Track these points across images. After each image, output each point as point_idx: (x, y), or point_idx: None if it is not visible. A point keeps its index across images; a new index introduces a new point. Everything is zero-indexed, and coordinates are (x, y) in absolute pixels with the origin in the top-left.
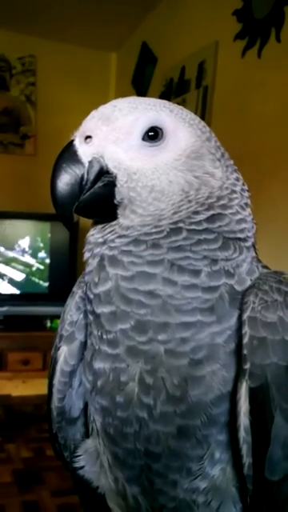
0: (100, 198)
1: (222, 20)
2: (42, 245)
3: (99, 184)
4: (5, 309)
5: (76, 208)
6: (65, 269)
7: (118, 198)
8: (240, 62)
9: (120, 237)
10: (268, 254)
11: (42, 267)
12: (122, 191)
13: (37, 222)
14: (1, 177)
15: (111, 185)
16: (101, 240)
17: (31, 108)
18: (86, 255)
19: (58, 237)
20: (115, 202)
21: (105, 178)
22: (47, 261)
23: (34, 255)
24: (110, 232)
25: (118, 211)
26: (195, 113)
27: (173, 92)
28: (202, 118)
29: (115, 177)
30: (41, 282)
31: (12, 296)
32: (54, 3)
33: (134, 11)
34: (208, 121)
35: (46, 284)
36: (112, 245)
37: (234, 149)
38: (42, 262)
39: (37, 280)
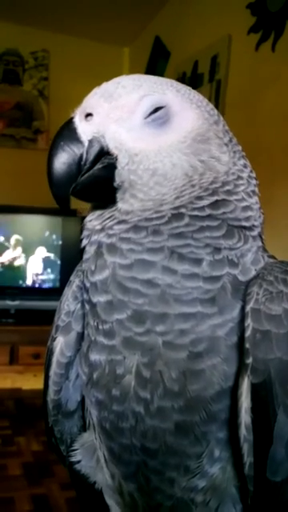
0: (99, 181)
1: (235, 13)
2: (53, 239)
3: (98, 166)
4: (16, 303)
5: (73, 191)
6: (76, 263)
7: (117, 180)
8: (254, 56)
9: (119, 223)
10: (283, 251)
11: (53, 261)
12: (122, 174)
13: (49, 217)
14: (13, 171)
15: (111, 167)
16: (99, 227)
17: (44, 103)
18: (84, 242)
19: (69, 231)
20: (115, 185)
21: (105, 160)
22: (59, 255)
23: (45, 250)
24: (108, 218)
25: (118, 195)
26: None
27: None
28: None
29: (116, 158)
30: (52, 276)
31: (23, 290)
32: None
33: (146, 5)
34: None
35: (58, 278)
36: (110, 232)
37: (247, 143)
38: (53, 256)
39: (48, 274)
